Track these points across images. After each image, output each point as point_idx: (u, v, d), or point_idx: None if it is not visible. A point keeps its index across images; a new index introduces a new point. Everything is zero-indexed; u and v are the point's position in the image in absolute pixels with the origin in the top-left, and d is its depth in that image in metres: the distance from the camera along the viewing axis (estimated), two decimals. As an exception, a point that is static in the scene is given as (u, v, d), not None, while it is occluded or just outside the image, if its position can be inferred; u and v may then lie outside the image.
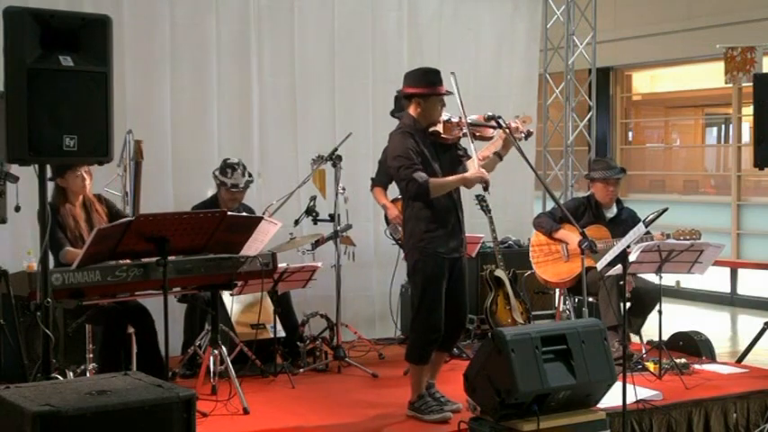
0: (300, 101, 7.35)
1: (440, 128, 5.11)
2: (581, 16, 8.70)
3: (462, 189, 5.20)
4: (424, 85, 5.09)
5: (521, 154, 5.16)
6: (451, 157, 5.20)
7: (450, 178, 5.04)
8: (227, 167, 6.27)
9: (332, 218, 6.34)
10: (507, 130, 5.15)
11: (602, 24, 8.99)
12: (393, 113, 6.37)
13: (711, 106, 12.23)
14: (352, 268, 6.88)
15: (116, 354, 5.23)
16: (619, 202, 6.85)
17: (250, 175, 6.35)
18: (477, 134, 5.24)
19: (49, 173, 4.92)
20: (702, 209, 11.21)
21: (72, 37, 4.05)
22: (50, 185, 5.34)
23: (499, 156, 5.25)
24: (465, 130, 5.10)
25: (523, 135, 5.27)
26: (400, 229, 5.75)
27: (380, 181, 6.59)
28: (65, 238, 5.25)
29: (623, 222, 6.53)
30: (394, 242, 6.62)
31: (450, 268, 5.09)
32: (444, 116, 5.15)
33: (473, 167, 5.04)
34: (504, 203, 7.89)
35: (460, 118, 5.15)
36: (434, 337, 5.07)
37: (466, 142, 5.23)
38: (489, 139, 5.33)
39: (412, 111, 5.12)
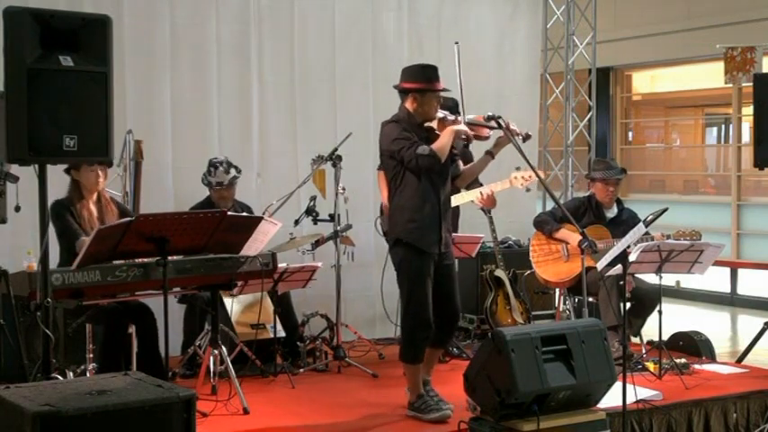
0: (300, 101, 7.34)
1: (434, 124, 5.11)
2: (581, 16, 8.70)
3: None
4: (422, 81, 5.07)
5: (521, 154, 5.15)
6: None
7: (443, 136, 4.99)
8: (210, 166, 6.26)
9: (332, 218, 6.34)
10: (508, 132, 5.15)
11: (602, 24, 8.99)
12: None
13: (711, 106, 12.22)
14: (352, 268, 6.88)
15: (116, 353, 5.22)
16: (619, 202, 6.85)
17: (238, 171, 6.30)
18: (474, 133, 5.23)
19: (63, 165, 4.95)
20: (702, 209, 11.20)
21: (72, 37, 4.06)
22: (66, 181, 5.35)
23: (491, 154, 5.25)
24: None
25: (521, 137, 5.26)
26: None
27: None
28: (80, 229, 5.22)
29: (624, 222, 6.54)
30: (382, 235, 6.58)
31: (436, 265, 5.08)
32: (440, 114, 5.15)
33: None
34: (505, 203, 7.87)
35: (456, 117, 5.14)
36: (426, 335, 5.06)
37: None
38: (485, 138, 5.33)
39: (408, 105, 5.10)
